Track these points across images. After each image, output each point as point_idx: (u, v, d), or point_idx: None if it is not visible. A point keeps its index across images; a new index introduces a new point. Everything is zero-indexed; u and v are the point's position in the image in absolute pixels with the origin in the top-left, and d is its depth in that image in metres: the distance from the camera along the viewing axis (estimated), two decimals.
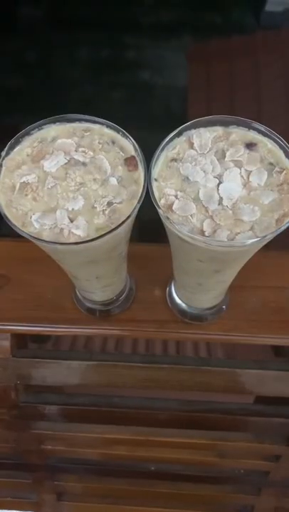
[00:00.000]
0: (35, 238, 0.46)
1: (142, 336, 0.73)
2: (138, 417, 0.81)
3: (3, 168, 0.49)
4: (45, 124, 0.51)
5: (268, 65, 2.23)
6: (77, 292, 0.71)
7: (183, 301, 0.70)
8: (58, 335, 1.10)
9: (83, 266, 0.54)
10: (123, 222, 0.46)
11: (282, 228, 0.46)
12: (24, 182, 0.48)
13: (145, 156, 0.50)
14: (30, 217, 0.47)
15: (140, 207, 0.48)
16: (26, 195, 0.48)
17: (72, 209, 0.47)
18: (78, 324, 0.72)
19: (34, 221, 0.47)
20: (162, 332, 0.72)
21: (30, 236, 0.46)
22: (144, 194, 0.48)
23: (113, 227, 0.46)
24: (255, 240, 0.46)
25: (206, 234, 0.47)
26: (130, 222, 0.49)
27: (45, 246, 0.48)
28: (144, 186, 0.48)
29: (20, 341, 0.76)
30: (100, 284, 0.62)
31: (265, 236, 0.46)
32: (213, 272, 0.55)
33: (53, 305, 0.72)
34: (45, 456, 0.94)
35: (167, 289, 0.73)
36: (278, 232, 0.46)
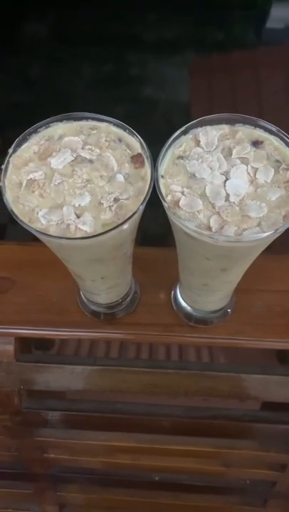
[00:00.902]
0: (42, 233, 0.46)
1: (146, 339, 0.72)
2: (142, 424, 0.80)
3: (11, 165, 0.49)
4: (52, 122, 0.51)
5: (269, 79, 2.25)
6: (82, 295, 0.70)
7: (188, 304, 0.69)
8: (62, 341, 1.09)
9: (89, 265, 0.54)
10: (130, 217, 0.46)
11: None
12: (31, 179, 0.49)
13: None
14: (37, 213, 0.47)
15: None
16: (33, 191, 0.48)
17: (79, 205, 0.47)
18: (82, 328, 0.71)
19: (41, 217, 0.47)
20: (167, 336, 0.71)
21: (37, 231, 0.46)
22: (150, 190, 0.48)
23: (120, 222, 0.46)
24: (263, 235, 0.45)
25: (213, 230, 0.47)
26: (137, 218, 0.49)
27: (52, 242, 0.48)
28: (150, 182, 0.48)
29: (24, 346, 0.76)
30: (105, 285, 0.61)
31: (272, 231, 0.45)
32: (220, 271, 0.54)
33: (57, 308, 0.72)
34: (47, 465, 0.92)
35: (172, 292, 0.72)
36: (286, 227, 0.46)
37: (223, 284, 0.60)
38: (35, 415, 0.80)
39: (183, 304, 0.70)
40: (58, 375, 0.75)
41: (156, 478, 0.95)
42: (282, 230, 0.46)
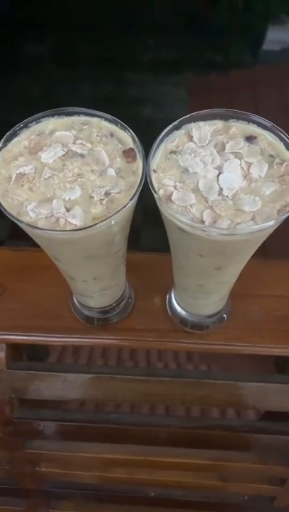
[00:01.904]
0: (31, 226, 0.45)
1: (141, 345, 0.71)
2: (137, 435, 0.78)
3: (0, 159, 0.49)
4: (43, 117, 0.51)
5: (266, 98, 2.27)
6: (75, 300, 0.69)
7: (183, 309, 0.68)
8: (57, 352, 1.07)
9: (80, 263, 0.53)
10: (121, 209, 0.45)
11: (284, 217, 0.45)
12: (20, 173, 0.48)
13: None
14: (26, 206, 0.46)
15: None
16: (22, 185, 0.47)
17: (69, 199, 0.46)
18: (75, 333, 0.70)
19: (30, 211, 0.46)
20: (162, 342, 0.70)
21: (27, 224, 0.45)
22: (142, 183, 0.47)
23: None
24: (257, 227, 0.44)
25: (206, 224, 0.46)
26: (128, 213, 0.48)
27: (41, 236, 0.47)
28: (142, 176, 0.47)
29: (16, 353, 0.74)
30: (98, 286, 0.60)
31: (266, 224, 0.44)
32: (214, 270, 0.53)
33: (49, 314, 0.71)
34: (40, 480, 0.90)
35: (167, 297, 0.71)
36: (280, 220, 0.45)
37: (219, 285, 0.58)
38: (27, 425, 0.78)
39: (178, 308, 0.69)
40: (51, 384, 0.73)
41: (152, 494, 0.92)
42: (276, 223, 0.45)
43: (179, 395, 0.73)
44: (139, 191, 0.46)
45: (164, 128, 0.50)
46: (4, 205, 0.46)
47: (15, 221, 0.46)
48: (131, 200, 0.45)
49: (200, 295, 0.61)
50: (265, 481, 0.86)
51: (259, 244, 0.52)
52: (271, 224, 0.44)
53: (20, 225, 0.46)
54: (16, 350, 0.74)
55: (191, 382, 0.73)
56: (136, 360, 1.00)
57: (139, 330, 0.70)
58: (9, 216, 0.45)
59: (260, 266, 0.74)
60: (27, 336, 0.70)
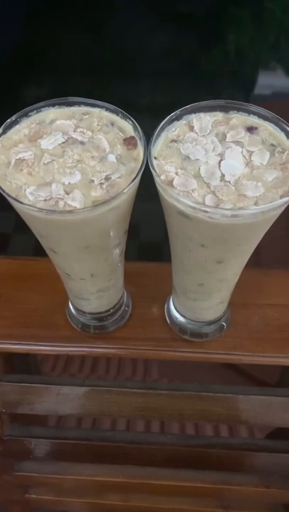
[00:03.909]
0: (30, 206, 0.43)
1: (138, 355, 0.68)
2: (133, 453, 0.74)
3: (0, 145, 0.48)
4: (43, 106, 0.50)
5: None
6: (71, 307, 0.67)
7: (182, 315, 0.66)
8: (47, 360, 1.03)
9: (78, 256, 0.52)
10: (122, 191, 0.44)
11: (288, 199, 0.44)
12: (20, 158, 0.47)
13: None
14: (25, 190, 0.45)
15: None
16: (21, 170, 0.47)
17: (69, 183, 0.46)
18: (71, 342, 0.67)
19: (28, 194, 0.45)
20: (160, 351, 0.67)
21: (25, 205, 0.44)
22: (143, 167, 0.46)
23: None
24: (260, 208, 0.43)
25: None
26: (128, 199, 0.47)
27: (39, 220, 0.45)
28: (143, 161, 0.46)
29: (8, 364, 0.71)
30: (95, 286, 0.58)
31: (271, 205, 0.43)
32: (215, 264, 0.52)
33: (44, 322, 0.68)
34: (29, 509, 0.84)
35: (166, 305, 0.69)
36: (285, 203, 0.44)
37: (219, 284, 0.57)
38: (17, 444, 0.74)
39: (177, 315, 0.67)
40: (44, 397, 0.70)
41: None
42: (280, 205, 0.44)
43: (178, 409, 0.70)
44: (140, 175, 0.46)
45: None
46: (3, 187, 0.45)
47: (13, 203, 0.45)
48: (132, 181, 0.45)
49: (200, 296, 0.59)
50: (268, 508, 0.81)
51: (260, 237, 0.51)
52: (276, 205, 0.43)
53: (19, 206, 0.45)
54: (7, 362, 0.72)
55: (190, 395, 0.70)
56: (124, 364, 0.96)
57: (136, 339, 0.67)
58: (7, 197, 0.44)
59: (259, 275, 0.73)
60: (21, 344, 0.67)
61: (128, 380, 0.90)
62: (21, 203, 0.43)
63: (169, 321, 0.68)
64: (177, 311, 0.67)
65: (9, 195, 0.44)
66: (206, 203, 0.45)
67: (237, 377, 0.97)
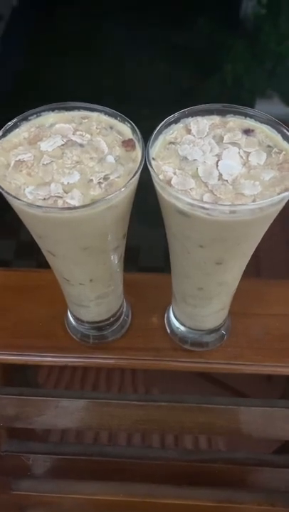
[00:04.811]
0: (29, 204, 0.44)
1: (139, 365, 0.67)
2: (133, 469, 0.72)
3: None
4: (43, 111, 0.51)
5: None
6: (70, 316, 0.67)
7: (182, 324, 0.65)
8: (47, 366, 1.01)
9: (77, 259, 0.52)
10: (121, 188, 0.45)
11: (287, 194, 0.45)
12: (19, 160, 0.48)
13: None
14: (24, 189, 0.46)
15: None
16: (21, 170, 0.47)
17: (68, 183, 0.46)
18: (70, 353, 0.67)
19: (28, 193, 0.45)
20: (161, 361, 0.67)
21: (24, 202, 0.44)
22: (142, 165, 0.47)
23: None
24: (259, 203, 0.44)
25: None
26: (127, 198, 0.47)
27: (38, 218, 0.46)
28: (141, 160, 0.47)
29: (6, 377, 0.70)
30: (94, 292, 0.58)
31: (270, 200, 0.44)
32: (215, 266, 0.52)
33: (43, 333, 0.68)
34: None
35: (165, 315, 0.69)
36: (283, 200, 0.45)
37: (219, 288, 0.57)
38: (15, 460, 0.72)
39: (177, 324, 0.66)
40: (42, 410, 0.69)
41: None
42: (278, 200, 0.44)
43: (179, 422, 0.69)
44: (138, 173, 0.46)
45: None
46: (2, 186, 0.45)
47: (12, 201, 0.45)
48: (131, 178, 0.45)
49: (200, 302, 0.59)
50: None
51: (258, 238, 0.51)
52: (274, 200, 0.44)
53: (17, 205, 0.45)
54: (5, 374, 0.71)
55: (191, 407, 0.69)
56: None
57: (136, 349, 0.67)
58: (7, 196, 0.45)
59: (260, 285, 0.73)
60: (19, 355, 0.67)
61: (124, 393, 0.88)
62: (20, 200, 0.44)
63: (169, 331, 0.67)
64: (177, 320, 0.66)
65: (8, 193, 0.44)
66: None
67: (213, 388, 0.95)
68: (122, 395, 0.70)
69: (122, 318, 0.67)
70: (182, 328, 0.66)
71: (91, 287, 0.57)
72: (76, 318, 0.65)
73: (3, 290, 0.72)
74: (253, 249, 0.53)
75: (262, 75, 2.42)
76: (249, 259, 0.55)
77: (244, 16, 2.56)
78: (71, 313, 0.66)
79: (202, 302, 0.59)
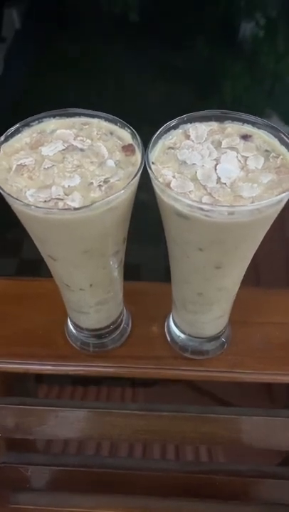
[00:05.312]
0: (29, 205, 0.44)
1: (139, 374, 0.67)
2: (133, 481, 0.71)
3: (1, 152, 0.49)
4: (45, 117, 0.52)
5: None
6: (70, 324, 0.67)
7: (183, 332, 0.65)
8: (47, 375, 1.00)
9: (77, 262, 0.52)
10: (121, 190, 0.45)
11: (286, 194, 0.45)
12: (21, 164, 0.48)
13: None
14: (25, 192, 0.46)
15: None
16: (22, 174, 0.48)
17: (68, 186, 0.47)
18: (70, 361, 0.66)
19: (29, 196, 0.46)
20: (161, 369, 0.66)
21: (24, 204, 0.44)
22: (141, 169, 0.47)
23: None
24: (257, 205, 0.44)
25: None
26: (126, 201, 0.48)
27: (38, 220, 0.46)
28: (141, 163, 0.48)
29: (6, 386, 0.70)
30: (94, 297, 0.58)
31: (269, 201, 0.44)
32: (214, 270, 0.52)
33: (43, 341, 0.68)
34: None
35: (166, 323, 0.69)
36: (281, 201, 0.45)
37: (219, 293, 0.57)
38: (13, 472, 0.71)
39: (177, 332, 0.66)
40: (42, 420, 0.68)
41: None
42: (277, 201, 0.45)
43: (180, 432, 0.69)
44: (138, 175, 0.47)
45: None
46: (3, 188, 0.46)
47: (13, 202, 0.45)
48: (132, 180, 0.46)
49: (200, 308, 0.59)
50: None
51: (257, 241, 0.52)
52: (273, 201, 0.44)
53: (18, 206, 0.45)
54: (5, 384, 0.70)
55: (192, 417, 0.68)
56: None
57: (136, 357, 0.66)
58: (8, 197, 0.45)
59: (259, 294, 0.73)
60: (19, 364, 0.66)
61: (127, 403, 0.87)
62: (21, 201, 0.44)
63: (169, 339, 0.67)
64: (177, 328, 0.66)
65: (10, 195, 0.45)
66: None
67: (201, 398, 0.95)
68: (123, 404, 0.69)
69: (122, 327, 0.67)
70: (182, 336, 0.66)
71: (91, 292, 0.57)
72: (76, 326, 0.65)
73: (3, 298, 0.72)
74: (252, 255, 0.53)
75: (261, 94, 2.46)
76: (248, 265, 0.55)
77: (242, 38, 2.61)
78: (71, 320, 0.66)
79: (202, 308, 0.59)
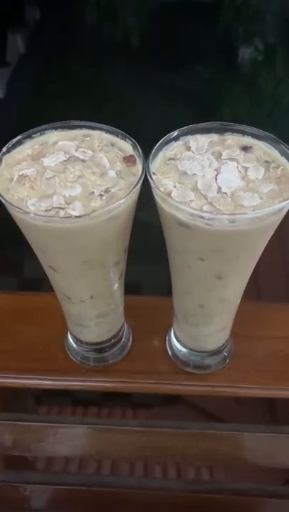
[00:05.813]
0: (30, 214, 0.44)
1: (140, 389, 0.66)
2: (134, 501, 0.70)
3: (3, 163, 0.50)
4: (46, 129, 0.53)
5: None
6: (70, 339, 0.66)
7: (184, 346, 0.65)
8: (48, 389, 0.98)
9: (78, 273, 0.52)
10: (122, 199, 0.45)
11: (287, 203, 0.45)
12: (22, 174, 0.48)
13: None
14: (26, 202, 0.46)
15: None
16: (24, 184, 0.48)
17: (70, 195, 0.47)
18: (70, 376, 0.66)
19: (30, 205, 0.46)
20: (162, 384, 0.65)
21: (24, 212, 0.44)
22: (142, 178, 0.47)
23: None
24: (258, 213, 0.44)
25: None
26: (127, 210, 0.48)
27: (39, 229, 0.46)
28: (142, 173, 0.48)
29: (5, 402, 0.69)
30: (95, 309, 0.58)
31: (270, 209, 0.44)
32: (215, 280, 0.52)
33: (43, 356, 0.67)
34: None
35: (167, 337, 0.68)
36: (282, 209, 0.45)
37: (220, 305, 0.56)
38: (11, 491, 0.70)
39: (178, 346, 0.65)
40: (40, 437, 0.67)
41: None
42: (278, 210, 0.45)
43: (181, 449, 0.67)
44: (139, 184, 0.47)
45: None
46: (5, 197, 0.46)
47: (14, 212, 0.45)
48: (133, 189, 0.46)
49: (201, 320, 0.59)
50: None
51: (258, 251, 0.51)
52: (274, 209, 0.44)
53: (19, 215, 0.45)
54: (3, 400, 0.69)
55: (194, 433, 0.67)
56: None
57: (137, 372, 0.66)
58: (9, 206, 0.45)
59: (261, 308, 0.73)
60: (18, 378, 0.66)
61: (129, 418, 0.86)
62: (21, 209, 0.44)
63: (170, 353, 0.66)
64: (179, 342, 0.65)
65: (11, 204, 0.45)
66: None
67: (201, 417, 0.93)
68: (123, 420, 0.68)
69: (122, 341, 0.66)
70: (184, 350, 0.65)
71: (92, 305, 0.57)
72: (76, 340, 0.64)
73: (3, 313, 0.72)
74: (253, 265, 0.53)
75: (260, 116, 2.49)
76: (249, 276, 0.55)
77: (241, 62, 2.65)
78: (71, 334, 0.65)
79: (204, 320, 0.59)
